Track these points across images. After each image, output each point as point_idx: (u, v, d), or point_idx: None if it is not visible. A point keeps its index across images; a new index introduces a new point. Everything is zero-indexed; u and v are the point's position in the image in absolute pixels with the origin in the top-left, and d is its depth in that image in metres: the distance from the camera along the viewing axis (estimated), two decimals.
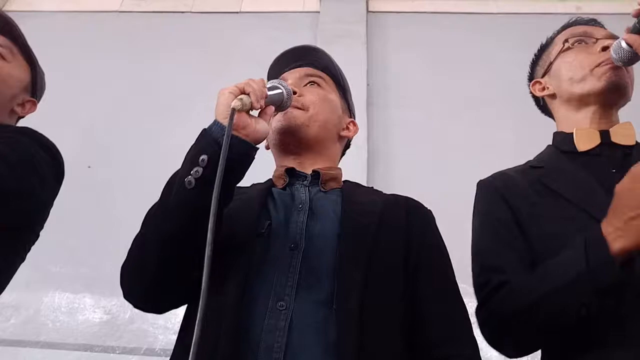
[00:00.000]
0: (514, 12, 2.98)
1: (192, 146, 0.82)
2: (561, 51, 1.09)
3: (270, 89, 0.91)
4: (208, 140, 0.79)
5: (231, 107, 0.77)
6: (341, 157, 1.17)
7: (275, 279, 0.82)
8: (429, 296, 0.89)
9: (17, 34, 1.21)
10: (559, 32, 1.16)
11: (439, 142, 2.52)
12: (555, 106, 1.11)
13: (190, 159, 0.79)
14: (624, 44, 0.96)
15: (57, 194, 1.15)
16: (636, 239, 0.75)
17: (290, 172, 1.03)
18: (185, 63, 2.83)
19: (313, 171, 1.03)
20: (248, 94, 0.82)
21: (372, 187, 1.11)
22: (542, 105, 1.18)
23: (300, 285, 0.81)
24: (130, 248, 0.87)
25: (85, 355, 2.01)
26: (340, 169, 1.10)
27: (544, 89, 1.13)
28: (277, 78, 1.09)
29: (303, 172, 1.03)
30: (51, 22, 3.03)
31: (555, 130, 1.12)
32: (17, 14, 3.14)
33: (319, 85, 1.10)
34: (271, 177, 1.06)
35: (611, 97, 1.02)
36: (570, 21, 1.16)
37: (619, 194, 0.79)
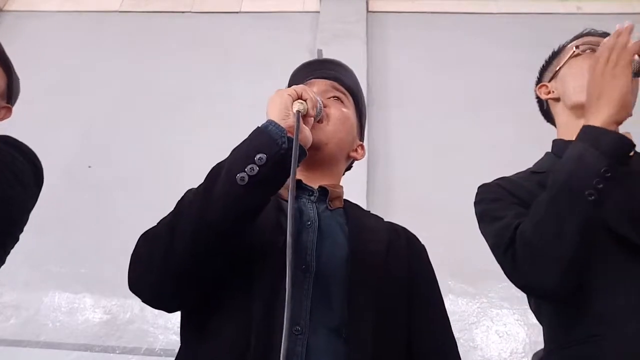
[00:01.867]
0: (514, 12, 2.98)
1: (244, 142, 0.79)
2: (571, 57, 1.10)
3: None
4: (266, 139, 0.76)
5: (296, 109, 0.78)
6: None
7: (292, 302, 0.78)
8: (425, 329, 0.90)
9: None
10: (571, 40, 1.16)
11: (439, 142, 2.52)
12: (558, 110, 1.12)
13: (245, 154, 0.75)
14: (636, 56, 0.95)
15: (37, 199, 1.14)
16: (610, 109, 0.83)
17: (297, 185, 0.99)
18: (185, 63, 2.83)
19: (320, 187, 1.00)
20: (305, 100, 0.82)
21: (369, 211, 1.10)
22: (545, 109, 1.18)
23: (313, 310, 0.80)
24: (152, 234, 0.81)
25: (85, 355, 2.01)
26: (342, 187, 1.09)
27: (549, 92, 1.14)
28: (301, 83, 1.07)
29: (310, 187, 1.00)
30: (51, 22, 3.03)
31: (554, 130, 1.12)
32: (17, 14, 3.14)
33: (342, 101, 1.08)
34: None
35: None
36: (585, 31, 1.16)
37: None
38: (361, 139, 1.17)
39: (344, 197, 1.06)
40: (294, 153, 0.72)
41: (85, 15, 3.13)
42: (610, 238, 0.86)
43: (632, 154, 1.00)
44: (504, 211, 0.96)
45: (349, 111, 1.08)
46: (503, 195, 1.01)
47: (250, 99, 2.20)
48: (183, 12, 3.12)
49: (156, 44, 2.94)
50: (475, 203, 1.07)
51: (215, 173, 0.78)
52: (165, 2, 3.16)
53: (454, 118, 2.58)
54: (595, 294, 0.85)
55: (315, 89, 1.03)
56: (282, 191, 0.95)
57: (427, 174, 2.42)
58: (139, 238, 0.82)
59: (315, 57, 2.69)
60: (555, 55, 1.18)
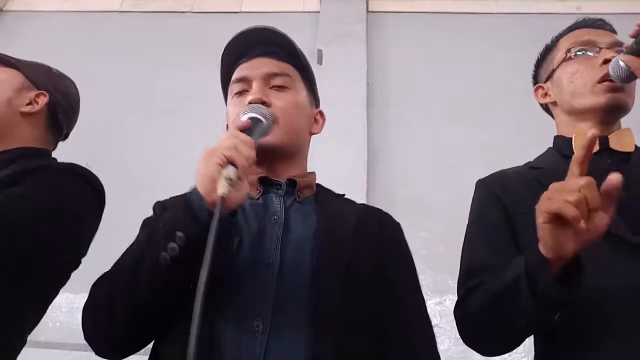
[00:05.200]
0: (514, 12, 2.98)
1: (170, 213, 0.79)
2: (563, 60, 1.09)
3: (256, 127, 0.85)
4: (186, 215, 0.73)
5: (220, 194, 0.69)
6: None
7: (250, 299, 0.79)
8: (396, 310, 0.88)
9: None
10: (564, 33, 1.15)
11: (439, 142, 2.52)
12: (557, 113, 1.12)
13: (166, 232, 0.74)
14: (621, 64, 0.96)
15: (100, 222, 1.16)
16: (544, 244, 0.75)
17: (264, 181, 0.97)
18: (185, 63, 2.83)
19: (288, 179, 0.97)
20: (236, 167, 0.73)
21: (344, 195, 1.06)
22: (545, 107, 1.18)
23: (276, 304, 0.79)
24: (95, 296, 0.85)
25: (85, 355, 2.00)
26: (314, 173, 1.05)
27: (546, 94, 1.14)
28: (234, 66, 1.02)
29: (277, 181, 0.97)
30: (51, 22, 3.03)
31: (555, 131, 1.12)
32: (17, 14, 3.14)
33: (286, 85, 1.00)
34: None
35: (610, 115, 1.04)
36: (577, 21, 1.15)
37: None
38: (317, 104, 1.11)
39: (317, 182, 1.04)
40: (207, 253, 0.64)
41: (85, 15, 3.13)
42: (606, 239, 0.86)
43: (632, 150, 1.00)
44: (481, 251, 0.98)
45: (295, 91, 1.01)
46: (489, 208, 1.02)
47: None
48: (183, 12, 3.12)
49: (156, 44, 2.94)
50: (471, 203, 1.08)
51: (145, 229, 0.83)
52: (166, 2, 3.16)
53: (454, 118, 2.57)
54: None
55: (255, 86, 0.97)
56: (251, 189, 0.96)
57: (427, 173, 2.42)
58: (90, 289, 0.87)
59: (315, 57, 2.70)
60: (548, 50, 1.17)
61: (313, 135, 1.08)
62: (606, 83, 1.01)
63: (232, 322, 0.78)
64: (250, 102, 0.94)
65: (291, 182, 0.97)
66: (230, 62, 1.05)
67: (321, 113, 1.10)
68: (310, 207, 0.95)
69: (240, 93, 1.01)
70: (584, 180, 0.73)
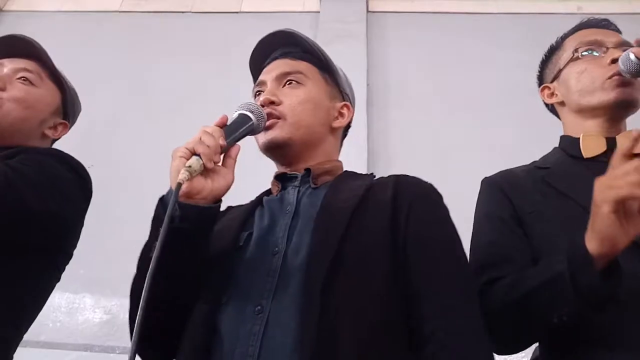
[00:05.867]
0: (514, 12, 2.98)
1: (154, 212, 0.83)
2: (570, 60, 1.09)
3: (238, 122, 0.89)
4: (161, 209, 0.80)
5: (177, 181, 0.75)
6: (341, 145, 1.12)
7: (254, 286, 0.81)
8: (420, 270, 0.82)
9: (45, 58, 1.22)
10: (570, 33, 1.14)
11: (439, 142, 2.52)
12: (564, 113, 1.12)
13: (152, 227, 0.82)
14: (632, 57, 0.95)
15: (85, 213, 1.16)
16: (602, 238, 0.73)
17: (282, 177, 1.01)
18: (185, 63, 2.83)
19: (305, 169, 0.99)
20: (199, 155, 0.78)
21: (372, 174, 1.04)
22: (551, 109, 1.18)
23: (278, 286, 0.80)
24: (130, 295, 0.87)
25: (85, 355, 2.01)
26: (338, 161, 1.06)
27: (552, 94, 1.13)
28: (258, 74, 1.08)
29: (294, 173, 1.00)
30: (51, 22, 3.03)
31: (556, 131, 1.12)
32: (17, 13, 3.14)
33: (298, 82, 1.03)
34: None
35: (620, 111, 1.03)
36: (583, 22, 1.14)
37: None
38: (344, 97, 1.11)
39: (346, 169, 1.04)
40: (160, 238, 0.70)
41: (85, 15, 3.13)
42: None
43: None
44: (494, 246, 0.96)
45: (308, 87, 1.03)
46: (498, 206, 1.00)
47: (250, 99, 2.20)
48: (183, 12, 3.12)
49: (156, 44, 2.94)
50: (477, 201, 1.07)
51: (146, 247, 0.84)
52: (166, 2, 3.16)
53: (454, 118, 2.57)
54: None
55: (268, 86, 1.02)
56: (272, 186, 1.03)
57: (427, 173, 2.41)
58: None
59: None
60: (553, 50, 1.16)
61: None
62: (615, 78, 1.00)
63: (235, 309, 0.80)
64: (261, 103, 0.98)
65: (308, 172, 0.99)
66: (257, 69, 1.11)
67: (347, 106, 1.10)
68: (324, 191, 0.94)
69: (258, 95, 1.06)
70: (636, 162, 0.72)
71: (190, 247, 0.81)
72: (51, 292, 1.14)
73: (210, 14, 3.10)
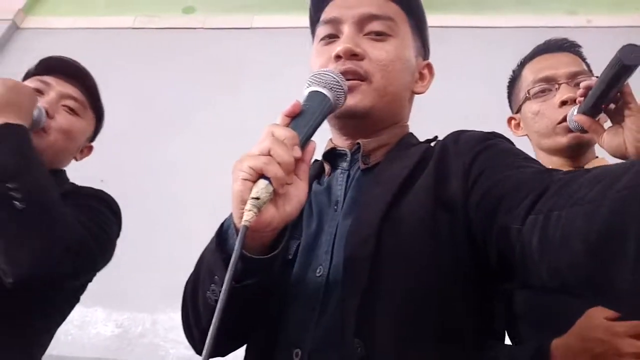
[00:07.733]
0: (523, 26, 2.97)
1: (211, 245, 0.70)
2: (525, 99, 1.13)
3: (313, 107, 0.66)
4: (219, 253, 0.65)
5: (243, 224, 0.56)
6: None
7: (296, 322, 0.68)
8: (489, 177, 0.66)
9: (91, 85, 1.27)
10: (527, 60, 1.17)
11: None
12: (533, 144, 1.16)
13: (207, 269, 0.68)
14: (575, 119, 0.98)
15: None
16: None
17: (330, 154, 0.80)
18: (198, 78, 2.86)
19: (356, 144, 0.79)
20: (269, 179, 0.58)
21: (434, 137, 0.85)
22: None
23: (318, 324, 0.66)
24: (183, 296, 0.77)
25: None
26: (398, 126, 0.83)
27: (518, 125, 1.18)
28: (324, 3, 0.82)
29: (343, 150, 0.79)
30: (66, 39, 3.08)
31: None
32: (33, 31, 3.21)
33: (386, 33, 0.79)
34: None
35: (578, 150, 1.07)
36: (539, 46, 1.17)
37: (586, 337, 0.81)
38: (425, 55, 0.92)
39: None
40: (221, 298, 0.53)
41: (99, 32, 3.19)
42: None
43: None
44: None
45: (397, 40, 0.80)
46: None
47: (262, 115, 2.22)
48: (195, 28, 3.16)
49: (169, 60, 2.97)
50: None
51: (196, 271, 0.74)
52: (178, 18, 3.20)
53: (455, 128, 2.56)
54: None
55: (346, 33, 0.77)
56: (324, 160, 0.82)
57: None
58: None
59: None
60: (515, 78, 1.21)
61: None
62: (565, 124, 1.04)
63: (281, 354, 0.67)
64: (337, 55, 0.76)
65: (358, 148, 0.78)
66: (318, 7, 0.84)
67: (429, 66, 0.91)
68: (373, 175, 0.76)
69: (327, 39, 0.81)
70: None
71: (257, 303, 0.68)
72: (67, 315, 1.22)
73: (221, 30, 3.13)
